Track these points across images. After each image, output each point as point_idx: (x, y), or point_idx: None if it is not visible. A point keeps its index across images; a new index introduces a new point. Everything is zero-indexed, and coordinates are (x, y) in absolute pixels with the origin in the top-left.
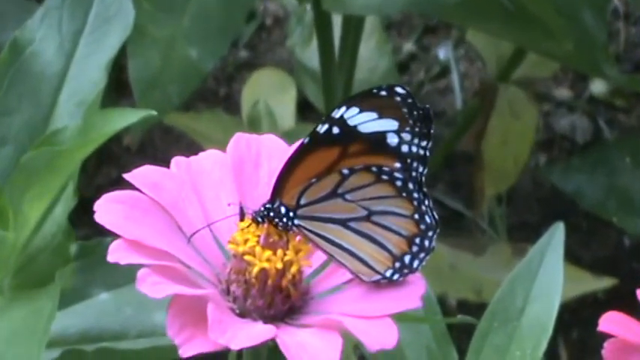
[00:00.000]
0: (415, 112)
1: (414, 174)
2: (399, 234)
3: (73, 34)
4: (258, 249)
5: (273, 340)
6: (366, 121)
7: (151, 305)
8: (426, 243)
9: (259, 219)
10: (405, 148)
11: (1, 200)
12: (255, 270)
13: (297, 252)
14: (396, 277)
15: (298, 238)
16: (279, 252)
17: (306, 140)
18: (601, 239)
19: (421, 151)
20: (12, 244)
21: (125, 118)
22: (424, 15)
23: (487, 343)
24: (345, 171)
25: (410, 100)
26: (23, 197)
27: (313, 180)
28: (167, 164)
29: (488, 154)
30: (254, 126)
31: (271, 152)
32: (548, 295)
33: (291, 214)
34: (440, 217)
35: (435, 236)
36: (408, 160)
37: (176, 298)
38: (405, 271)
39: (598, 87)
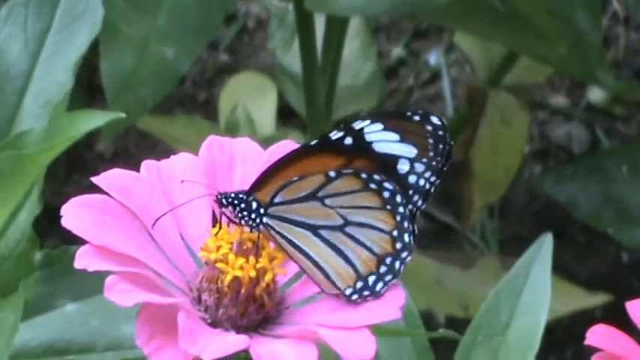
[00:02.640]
0: (440, 146)
1: (410, 206)
2: (371, 251)
3: (39, 33)
4: (231, 256)
5: (246, 350)
6: (384, 141)
7: (120, 316)
8: (397, 265)
9: (224, 201)
10: (412, 179)
11: None
12: (228, 278)
13: (271, 260)
14: (354, 297)
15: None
16: (252, 259)
17: (313, 142)
18: (598, 254)
19: (427, 186)
20: None
21: (93, 120)
22: (413, 17)
23: (471, 358)
24: (332, 173)
25: (441, 133)
26: None
27: (295, 178)
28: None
29: (477, 164)
30: (232, 132)
31: (245, 156)
32: (534, 310)
33: (261, 210)
34: (429, 231)
35: (407, 259)
36: (411, 192)
37: (146, 307)
38: (366, 292)
39: (596, 94)
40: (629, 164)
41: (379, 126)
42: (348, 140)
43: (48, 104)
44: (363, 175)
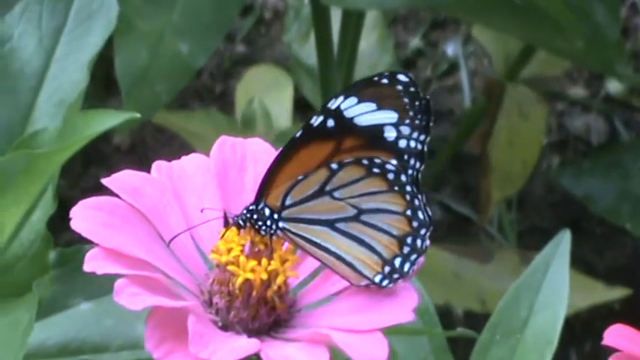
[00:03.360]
0: (417, 103)
1: (409, 171)
2: (390, 234)
3: (54, 31)
4: (242, 259)
5: (257, 354)
6: (363, 113)
7: (134, 316)
8: (418, 243)
9: (241, 222)
10: (402, 143)
11: None
12: (239, 281)
13: (283, 262)
14: (385, 282)
15: (285, 246)
16: (264, 262)
17: (298, 134)
18: (616, 247)
19: (419, 146)
20: None
21: (108, 120)
22: (430, 9)
23: (489, 356)
24: (334, 165)
25: (412, 89)
26: None
27: (300, 177)
28: None
29: (495, 157)
30: (248, 126)
31: (257, 156)
32: (553, 306)
33: (275, 216)
34: (446, 223)
35: (428, 234)
36: (405, 156)
37: (155, 310)
38: (395, 275)
39: (614, 86)
40: None
41: (353, 99)
42: (330, 123)
43: (62, 103)
44: (365, 162)
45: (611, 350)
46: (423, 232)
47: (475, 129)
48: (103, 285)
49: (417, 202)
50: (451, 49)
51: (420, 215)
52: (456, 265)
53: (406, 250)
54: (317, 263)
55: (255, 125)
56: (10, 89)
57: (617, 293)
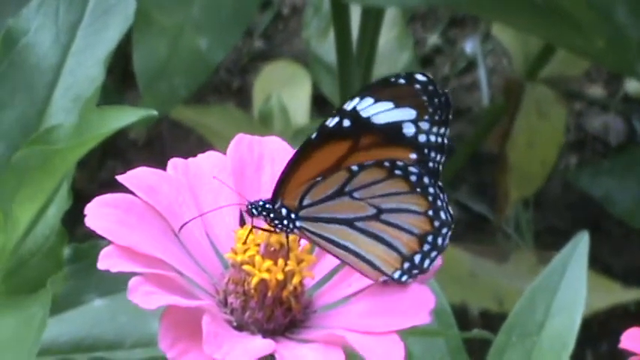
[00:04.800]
0: (436, 100)
1: (431, 164)
2: (411, 232)
3: (71, 25)
4: (257, 258)
5: (272, 355)
6: (381, 112)
7: (148, 313)
8: (439, 241)
9: (254, 212)
10: (422, 138)
11: None
12: (255, 281)
13: (299, 262)
14: (404, 278)
15: (302, 246)
16: (280, 262)
17: (314, 135)
18: (634, 247)
19: (439, 140)
20: (1, 247)
21: (124, 117)
22: (449, 7)
23: (505, 358)
24: (355, 167)
25: (431, 88)
26: (14, 198)
27: (318, 179)
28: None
29: (513, 156)
30: (266, 122)
31: (274, 155)
32: (570, 309)
33: (292, 215)
34: (463, 221)
35: (449, 233)
36: (426, 150)
37: (170, 309)
38: (415, 271)
39: (633, 86)
40: None
41: (370, 100)
42: (347, 122)
43: (78, 98)
44: (386, 164)
45: (628, 353)
46: (444, 231)
47: (493, 128)
48: (118, 282)
49: (439, 202)
50: (469, 46)
51: (442, 215)
52: (473, 264)
53: (426, 247)
54: (333, 264)
55: (272, 121)
56: (26, 84)
57: (634, 294)
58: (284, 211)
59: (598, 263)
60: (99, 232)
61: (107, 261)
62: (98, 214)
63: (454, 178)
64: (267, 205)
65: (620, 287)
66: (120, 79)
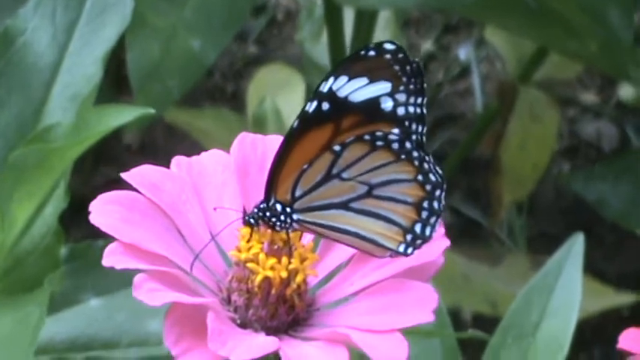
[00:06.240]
0: (408, 68)
1: (414, 137)
2: (405, 202)
3: (68, 25)
4: (261, 256)
5: (275, 352)
6: (357, 89)
7: (145, 312)
8: (435, 205)
9: (252, 221)
10: (401, 111)
11: None
12: (258, 278)
13: (302, 260)
14: (409, 250)
15: (306, 243)
16: (284, 260)
17: (295, 124)
18: (627, 252)
19: (418, 110)
20: None
21: (121, 115)
22: (444, 12)
23: (500, 359)
24: (337, 147)
25: (401, 55)
26: (11, 197)
27: (305, 167)
28: (169, 164)
29: (506, 160)
30: (259, 125)
31: None
32: (565, 311)
33: (287, 209)
34: (457, 227)
35: (443, 194)
36: (407, 123)
37: (174, 306)
38: (419, 241)
39: (626, 92)
40: None
41: (344, 78)
42: (325, 106)
43: (76, 97)
44: (367, 137)
45: (625, 354)
46: (437, 193)
47: (486, 132)
48: (114, 281)
49: (426, 165)
50: (463, 53)
51: (432, 177)
52: (466, 267)
53: (424, 214)
54: (336, 262)
55: (266, 124)
56: (23, 83)
57: (627, 298)
58: (279, 207)
59: (591, 268)
60: (103, 228)
61: (111, 258)
62: (102, 211)
63: (447, 184)
64: (262, 205)
65: (613, 292)
66: (113, 84)
